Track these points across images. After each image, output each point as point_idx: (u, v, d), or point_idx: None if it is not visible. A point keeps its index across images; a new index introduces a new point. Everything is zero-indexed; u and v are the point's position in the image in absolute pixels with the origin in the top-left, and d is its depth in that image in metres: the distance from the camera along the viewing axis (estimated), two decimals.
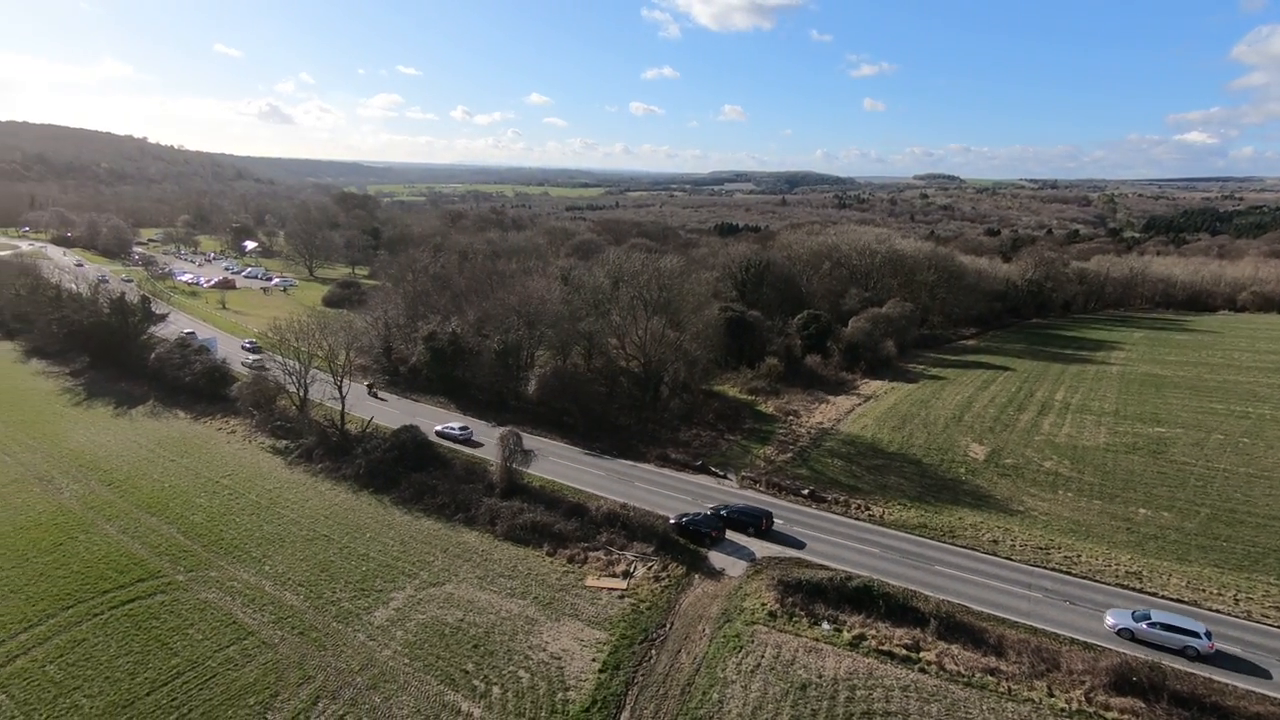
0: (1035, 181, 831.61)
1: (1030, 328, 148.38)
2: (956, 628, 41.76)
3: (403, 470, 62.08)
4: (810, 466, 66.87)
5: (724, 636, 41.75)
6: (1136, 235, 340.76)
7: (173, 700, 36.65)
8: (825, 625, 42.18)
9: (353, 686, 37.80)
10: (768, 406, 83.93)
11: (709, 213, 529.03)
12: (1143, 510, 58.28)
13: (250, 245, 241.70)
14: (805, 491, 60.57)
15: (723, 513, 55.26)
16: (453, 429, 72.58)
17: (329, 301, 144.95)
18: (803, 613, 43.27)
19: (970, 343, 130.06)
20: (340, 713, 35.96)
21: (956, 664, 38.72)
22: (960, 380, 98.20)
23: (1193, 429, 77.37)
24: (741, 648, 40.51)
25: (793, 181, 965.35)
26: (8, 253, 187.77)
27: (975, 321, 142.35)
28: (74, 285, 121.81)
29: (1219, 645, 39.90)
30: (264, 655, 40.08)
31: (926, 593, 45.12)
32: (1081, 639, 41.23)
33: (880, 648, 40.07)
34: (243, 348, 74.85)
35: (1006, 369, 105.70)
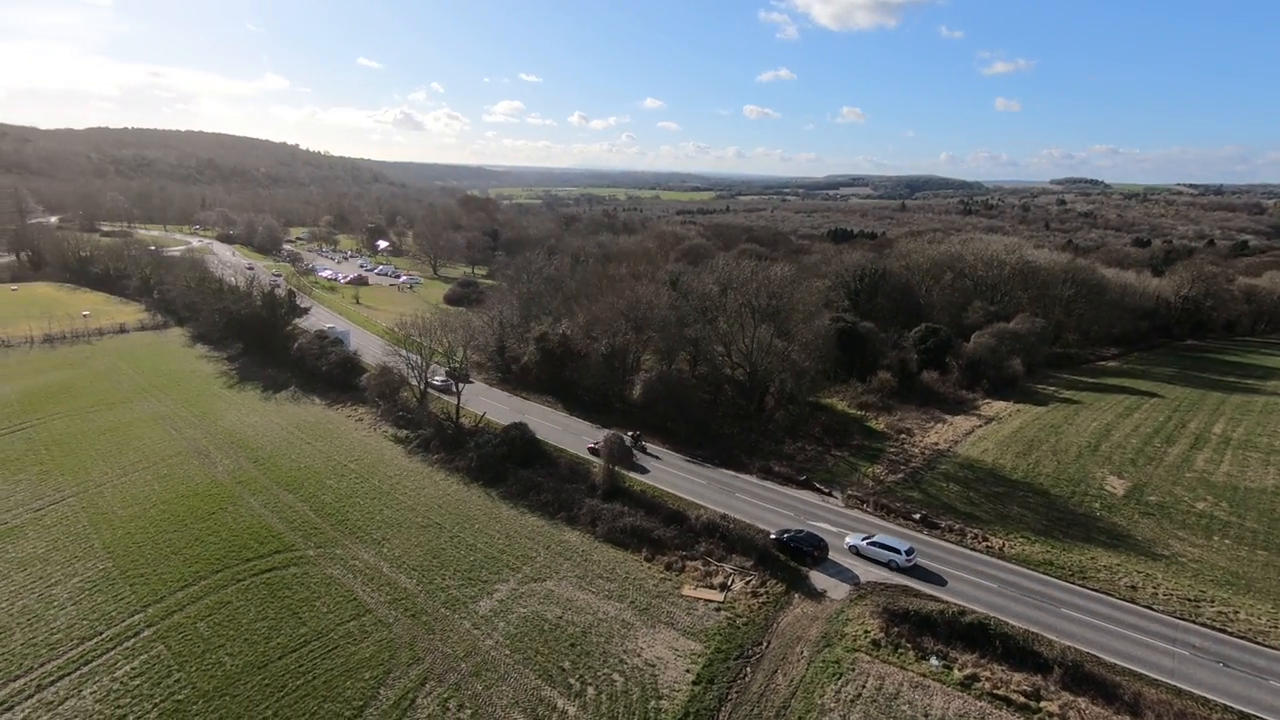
0: (1196, 187, 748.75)
1: (1184, 350, 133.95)
2: (1084, 678, 38.29)
3: (511, 466, 64.47)
4: (923, 489, 63.48)
5: (823, 661, 40.38)
6: None
7: (300, 666, 39.84)
8: (934, 660, 39.89)
9: (457, 672, 39.60)
10: (879, 423, 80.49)
11: (823, 218, 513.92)
12: None
13: (382, 244, 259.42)
14: (916, 516, 57.54)
15: (593, 445, 68.01)
16: (436, 381, 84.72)
17: (449, 299, 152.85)
18: (909, 645, 41.14)
19: (1111, 364, 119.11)
20: (445, 696, 37.77)
21: (1084, 719, 35.46)
22: (1098, 405, 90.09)
23: None
24: (841, 675, 39.03)
25: (913, 186, 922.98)
26: (181, 249, 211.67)
27: (1117, 341, 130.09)
28: (233, 279, 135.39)
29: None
30: (380, 633, 42.78)
31: (1050, 636, 41.66)
32: (1238, 708, 36.66)
33: (995, 691, 37.41)
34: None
35: (1153, 395, 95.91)
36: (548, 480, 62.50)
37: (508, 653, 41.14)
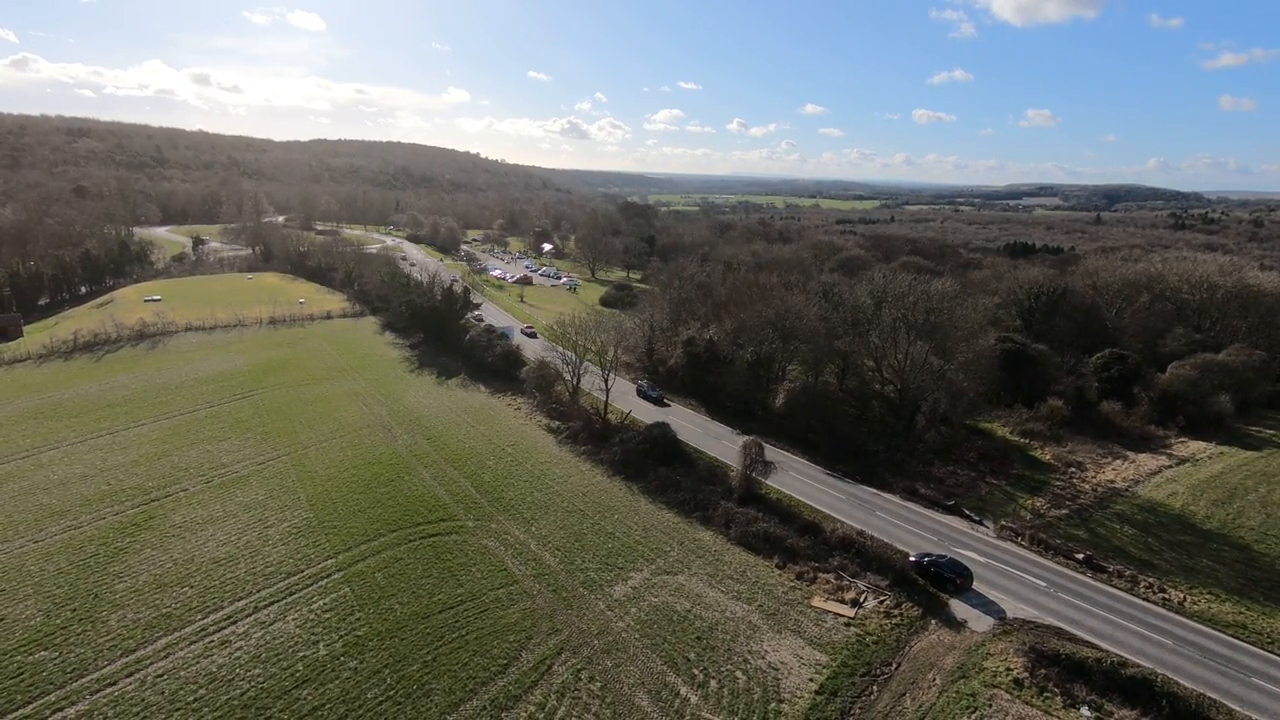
0: None
1: None
2: None
3: (651, 463, 67.16)
4: (1090, 529, 58.08)
5: (957, 692, 38.78)
6: None
7: (455, 622, 44.70)
8: (1085, 710, 36.99)
9: (590, 647, 42.53)
10: (1044, 453, 74.31)
11: (1000, 230, 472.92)
12: None
13: (547, 247, 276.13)
14: (1079, 556, 52.91)
15: None
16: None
17: (605, 301, 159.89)
18: (1057, 690, 38.39)
19: None
20: (578, 666, 40.78)
21: None
22: None
23: None
24: (976, 709, 37.33)
25: (1112, 196, 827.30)
26: (377, 247, 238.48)
27: None
28: (418, 275, 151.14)
29: None
30: (524, 602, 46.83)
31: (1231, 705, 37.05)
32: None
33: None
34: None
35: None
36: (686, 479, 64.45)
37: (637, 636, 43.48)
